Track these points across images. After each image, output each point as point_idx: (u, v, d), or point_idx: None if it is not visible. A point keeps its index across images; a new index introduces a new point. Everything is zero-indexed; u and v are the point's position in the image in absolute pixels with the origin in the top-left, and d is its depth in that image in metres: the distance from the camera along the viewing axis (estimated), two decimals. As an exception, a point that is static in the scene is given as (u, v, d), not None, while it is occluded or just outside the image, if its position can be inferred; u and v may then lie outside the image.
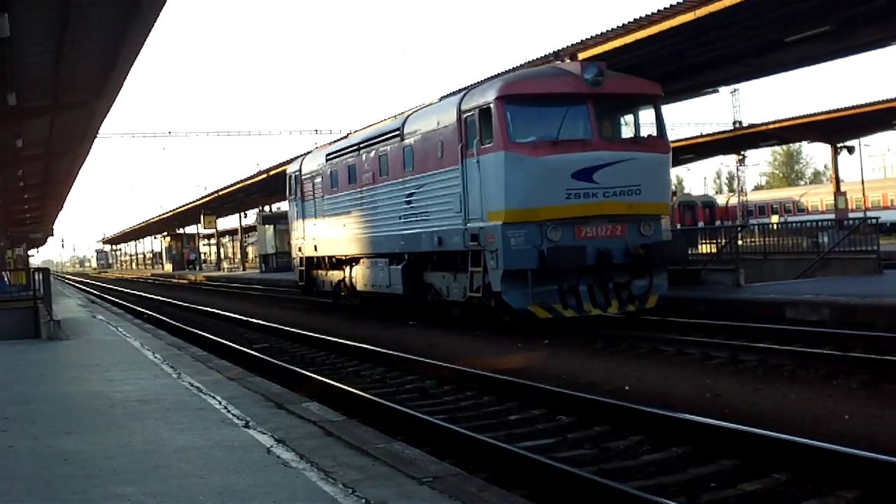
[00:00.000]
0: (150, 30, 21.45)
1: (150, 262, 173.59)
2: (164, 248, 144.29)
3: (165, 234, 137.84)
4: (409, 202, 26.43)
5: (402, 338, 23.61)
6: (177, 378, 14.44)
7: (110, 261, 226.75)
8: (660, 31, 26.76)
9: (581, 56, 28.23)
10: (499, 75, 26.62)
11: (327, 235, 33.51)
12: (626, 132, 23.49)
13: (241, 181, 72.80)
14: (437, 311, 26.66)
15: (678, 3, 25.59)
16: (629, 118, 23.55)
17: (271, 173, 62.65)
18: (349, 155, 30.98)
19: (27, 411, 11.84)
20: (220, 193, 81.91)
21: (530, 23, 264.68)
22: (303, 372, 17.36)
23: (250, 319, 30.64)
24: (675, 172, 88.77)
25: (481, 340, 22.43)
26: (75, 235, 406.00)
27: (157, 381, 14.27)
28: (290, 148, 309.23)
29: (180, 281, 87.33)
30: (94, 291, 71.28)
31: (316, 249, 34.94)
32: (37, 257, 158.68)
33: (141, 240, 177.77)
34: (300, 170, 36.52)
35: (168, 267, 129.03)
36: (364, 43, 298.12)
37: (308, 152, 38.75)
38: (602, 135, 22.36)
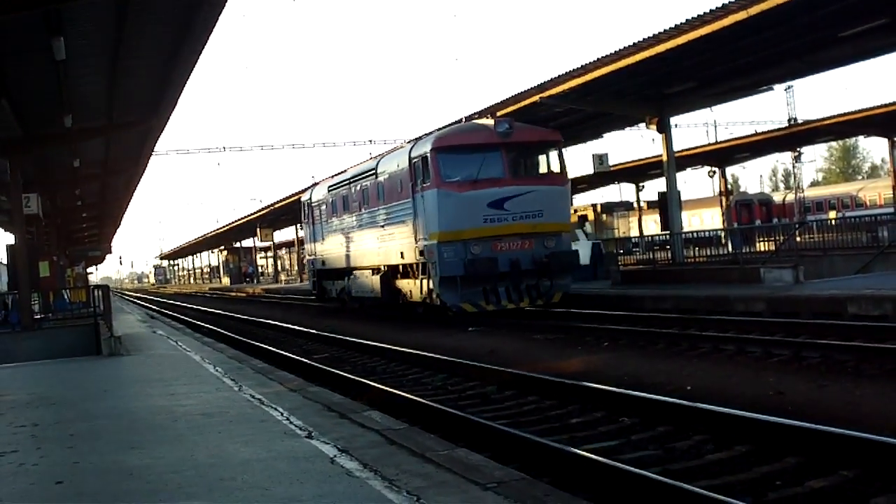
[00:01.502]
0: (202, 47, 21.54)
1: (207, 276, 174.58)
2: (221, 261, 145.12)
3: (222, 248, 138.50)
4: (382, 226, 33.86)
5: (460, 344, 23.72)
6: (238, 391, 14.49)
7: (168, 276, 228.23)
8: (713, 30, 26.61)
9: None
10: (438, 129, 33.50)
11: (331, 252, 41.72)
12: (532, 170, 30.38)
13: (297, 193, 72.91)
14: (408, 310, 33.36)
15: (730, 1, 25.44)
16: (535, 159, 30.54)
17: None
18: (343, 188, 39.18)
19: (92, 427, 11.93)
20: (276, 206, 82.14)
21: (587, 24, 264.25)
22: (363, 381, 17.43)
23: (309, 330, 30.85)
24: (731, 171, 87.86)
25: (541, 345, 22.53)
26: (133, 252, 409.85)
27: (218, 394, 14.32)
28: (345, 158, 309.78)
29: (238, 294, 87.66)
30: (153, 307, 71.86)
31: (324, 264, 43.44)
32: (96, 274, 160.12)
33: (198, 254, 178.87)
34: (311, 198, 45.36)
35: (226, 280, 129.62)
36: (417, 52, 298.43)
37: (315, 184, 47.88)
38: (511, 173, 29.35)
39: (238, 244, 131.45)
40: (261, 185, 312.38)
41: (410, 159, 30.63)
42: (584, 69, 32.02)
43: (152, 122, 29.78)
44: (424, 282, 30.27)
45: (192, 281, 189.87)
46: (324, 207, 42.70)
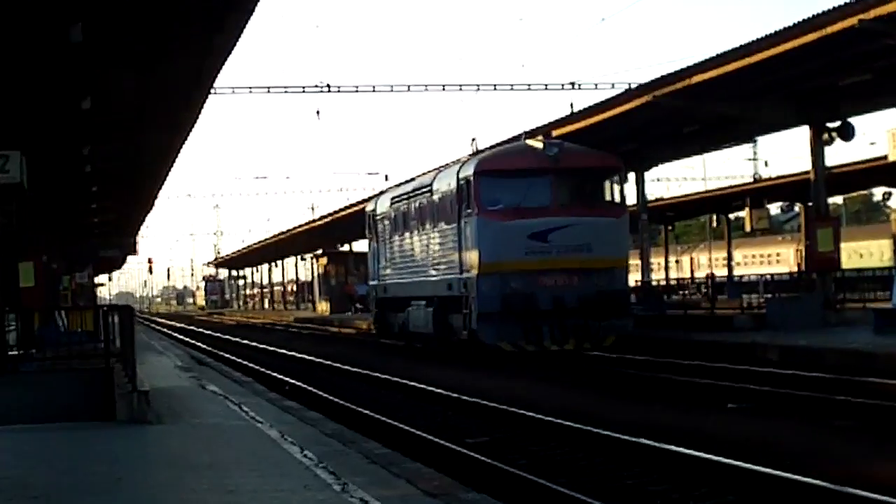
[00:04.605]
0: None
1: (292, 297, 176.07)
2: (316, 274, 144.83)
3: (320, 252, 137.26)
4: (433, 252, 46.13)
5: (711, 429, 23.75)
6: (341, 491, 14.39)
7: (228, 295, 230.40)
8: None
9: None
10: (487, 149, 48.16)
11: (391, 278, 55.06)
12: (584, 199, 41.71)
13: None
14: (461, 350, 43.96)
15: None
16: (588, 187, 41.99)
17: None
18: (403, 202, 52.33)
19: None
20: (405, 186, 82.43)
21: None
22: (549, 485, 17.03)
23: (461, 397, 29.73)
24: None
25: (843, 436, 22.80)
26: (172, 255, 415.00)
27: (308, 494, 14.25)
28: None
29: (343, 330, 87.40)
30: (202, 344, 72.10)
31: (386, 291, 56.67)
32: (110, 287, 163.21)
33: (277, 262, 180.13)
34: (375, 209, 59.23)
35: (323, 306, 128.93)
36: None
37: (382, 192, 63.03)
38: (559, 201, 40.43)
39: (347, 247, 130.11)
40: (381, 155, 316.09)
41: (458, 180, 42.52)
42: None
43: (214, 41, 29.26)
44: (466, 317, 41.07)
45: (266, 305, 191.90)
46: (386, 223, 56.25)
